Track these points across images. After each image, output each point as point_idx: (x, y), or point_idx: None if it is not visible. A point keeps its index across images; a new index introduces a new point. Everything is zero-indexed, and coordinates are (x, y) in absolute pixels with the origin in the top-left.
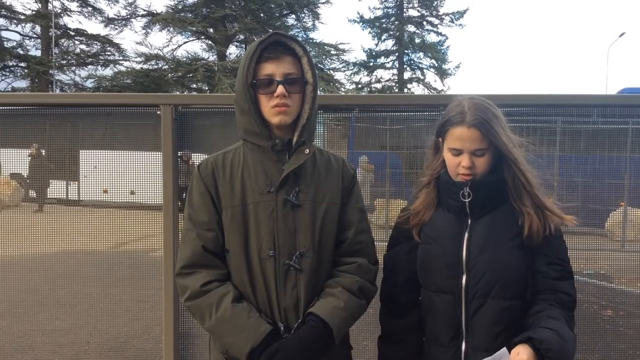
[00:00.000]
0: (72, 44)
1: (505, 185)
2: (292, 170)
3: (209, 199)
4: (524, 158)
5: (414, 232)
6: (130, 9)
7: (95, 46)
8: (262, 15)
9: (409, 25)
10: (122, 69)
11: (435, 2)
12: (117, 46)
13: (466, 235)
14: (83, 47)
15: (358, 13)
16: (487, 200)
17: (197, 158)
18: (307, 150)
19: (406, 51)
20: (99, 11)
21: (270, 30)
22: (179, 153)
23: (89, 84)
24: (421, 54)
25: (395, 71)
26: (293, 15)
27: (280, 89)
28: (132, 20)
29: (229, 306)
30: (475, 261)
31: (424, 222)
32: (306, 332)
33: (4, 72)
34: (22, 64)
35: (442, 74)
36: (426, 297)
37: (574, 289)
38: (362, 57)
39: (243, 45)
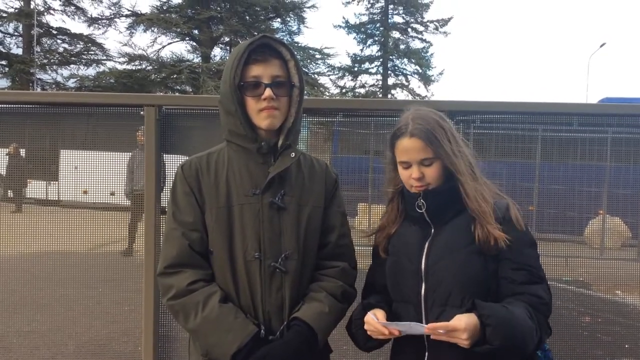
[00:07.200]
0: (55, 43)
1: (460, 193)
2: (278, 173)
3: (194, 199)
4: (470, 168)
5: (379, 249)
6: (114, 9)
7: (78, 45)
8: (247, 18)
9: (394, 32)
10: (105, 69)
11: (420, 10)
12: (100, 46)
13: (427, 244)
14: (66, 46)
15: (343, 18)
16: (443, 209)
17: (180, 159)
18: (293, 154)
19: (391, 57)
20: (82, 10)
21: (256, 33)
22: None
23: (71, 83)
24: (405, 60)
25: (379, 77)
26: (279, 19)
27: (267, 91)
28: (116, 20)
29: (216, 305)
30: (433, 269)
31: (390, 235)
32: (292, 336)
33: None
34: (3, 62)
35: (426, 80)
36: (394, 311)
37: (547, 293)
38: (347, 62)
39: (228, 48)
